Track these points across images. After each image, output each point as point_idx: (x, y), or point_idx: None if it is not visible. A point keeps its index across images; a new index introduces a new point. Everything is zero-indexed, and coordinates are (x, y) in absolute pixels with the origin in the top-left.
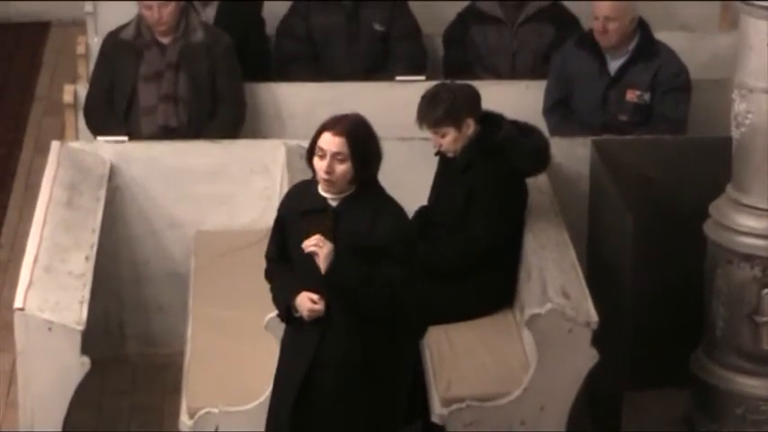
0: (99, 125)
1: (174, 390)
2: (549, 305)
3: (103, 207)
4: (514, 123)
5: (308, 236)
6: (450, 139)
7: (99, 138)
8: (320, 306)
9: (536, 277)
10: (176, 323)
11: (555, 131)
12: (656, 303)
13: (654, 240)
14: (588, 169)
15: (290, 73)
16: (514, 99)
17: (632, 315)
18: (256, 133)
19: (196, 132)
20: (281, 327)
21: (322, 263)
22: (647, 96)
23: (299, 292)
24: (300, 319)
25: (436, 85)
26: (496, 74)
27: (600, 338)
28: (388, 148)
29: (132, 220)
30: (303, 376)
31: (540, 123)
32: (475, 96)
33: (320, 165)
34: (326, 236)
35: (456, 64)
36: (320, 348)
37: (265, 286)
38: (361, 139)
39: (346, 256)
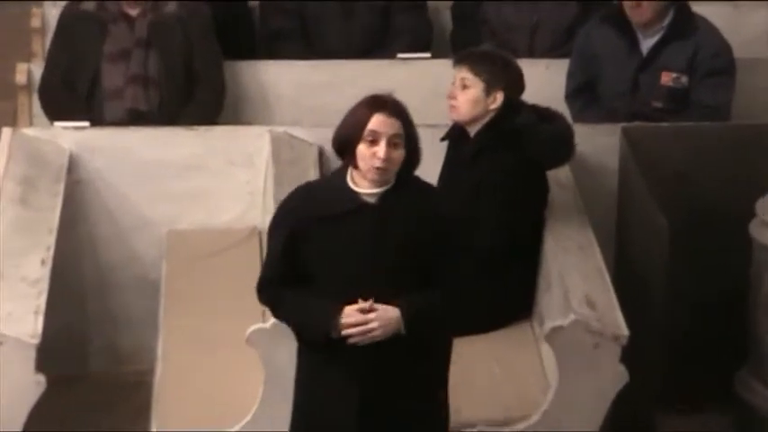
0: (57, 109)
1: (144, 412)
2: (571, 316)
3: (62, 204)
4: (534, 108)
5: (347, 244)
6: (470, 98)
7: (57, 124)
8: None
9: (557, 285)
10: (147, 337)
11: (579, 119)
12: (694, 315)
13: (691, 243)
14: (617, 161)
15: (277, 51)
16: (533, 81)
17: (667, 328)
18: (238, 119)
19: (169, 118)
20: (266, 340)
21: (384, 335)
22: (683, 80)
23: (339, 308)
24: (342, 341)
25: (498, 49)
26: (513, 53)
27: (630, 355)
28: None
29: (96, 219)
30: (358, 408)
31: (562, 109)
32: (521, 80)
33: (371, 151)
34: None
35: (466, 41)
36: (374, 371)
37: (248, 294)
38: (411, 123)
39: (410, 310)
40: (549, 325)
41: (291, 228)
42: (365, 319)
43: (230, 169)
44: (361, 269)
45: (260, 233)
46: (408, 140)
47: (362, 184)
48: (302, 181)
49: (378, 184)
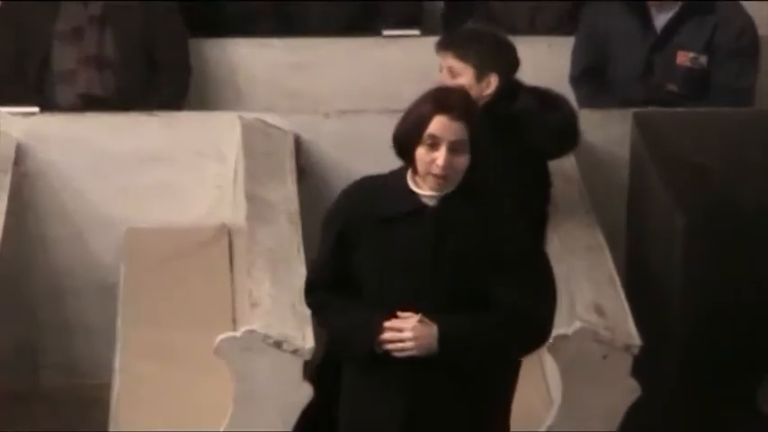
0: (2, 93)
1: (101, 430)
2: (577, 324)
3: (8, 199)
4: (534, 92)
5: (401, 249)
6: (460, 84)
7: (3, 109)
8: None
9: (561, 290)
10: (104, 348)
11: (585, 104)
12: (713, 322)
13: (711, 243)
14: (628, 151)
15: (250, 31)
16: (533, 62)
17: (683, 337)
18: (205, 104)
19: (128, 103)
20: (237, 351)
21: (418, 351)
22: (702, 60)
23: (384, 320)
24: (386, 356)
25: (484, 25)
26: (511, 30)
27: (642, 366)
28: (373, 123)
29: (47, 217)
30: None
31: (567, 93)
32: (515, 61)
33: (430, 157)
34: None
35: (459, 19)
36: (419, 391)
37: (217, 299)
38: (478, 126)
39: (448, 330)
40: (552, 334)
41: (341, 227)
42: (400, 329)
43: (197, 160)
44: (415, 278)
45: (230, 231)
46: (474, 145)
47: (423, 186)
48: (277, 173)
49: (438, 190)
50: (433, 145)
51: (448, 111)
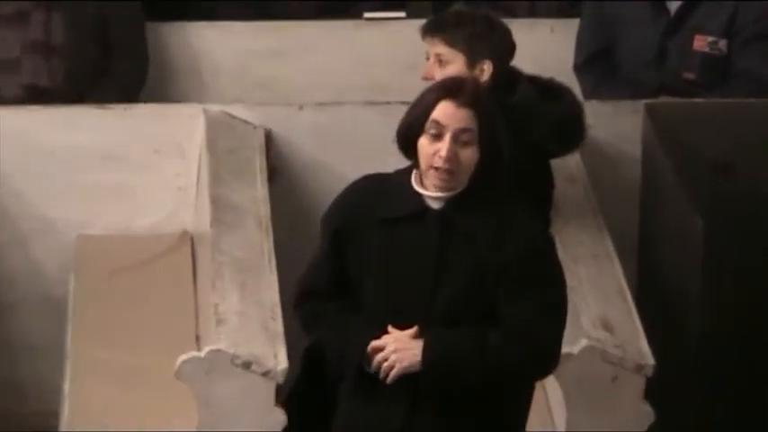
0: None
1: None
2: (583, 342)
3: None
4: (534, 81)
5: (399, 255)
6: (450, 73)
7: None
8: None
9: None
10: (51, 370)
11: (591, 94)
12: (736, 340)
13: (733, 250)
14: (639, 147)
15: (217, 16)
16: (534, 47)
17: (703, 355)
18: (165, 96)
19: (78, 95)
20: (201, 373)
21: (399, 366)
22: (721, 44)
23: (374, 336)
24: (375, 379)
25: (474, 6)
26: (510, 13)
27: (656, 389)
28: (354, 116)
29: None
30: None
31: (571, 82)
32: (511, 45)
33: (433, 148)
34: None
35: None
36: (410, 423)
37: (178, 315)
38: (491, 114)
39: (434, 346)
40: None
41: (337, 228)
42: (383, 345)
43: (155, 159)
44: (414, 289)
45: (192, 238)
46: (485, 138)
47: (428, 186)
48: (245, 173)
49: (443, 189)
50: (437, 135)
51: (454, 96)
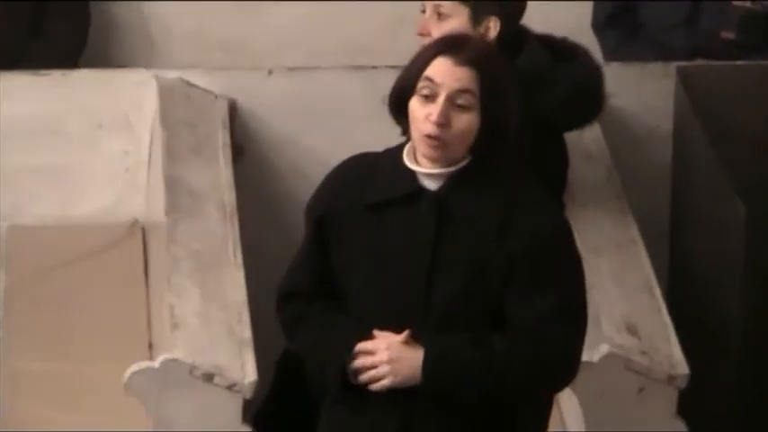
0: None
1: None
2: (604, 348)
3: None
4: (546, 41)
5: (389, 245)
6: (450, 29)
7: None
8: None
9: None
10: None
11: (613, 56)
12: None
13: None
14: (671, 119)
15: None
16: (547, 3)
17: (743, 363)
18: (109, 59)
19: (7, 59)
20: (154, 387)
21: (394, 380)
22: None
23: (358, 342)
24: (363, 391)
25: None
26: None
27: (690, 402)
28: (332, 82)
29: None
30: None
31: (589, 43)
32: (520, 3)
33: (425, 111)
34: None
35: None
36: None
37: (127, 318)
38: (497, 76)
39: (435, 355)
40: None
41: (321, 216)
42: (373, 351)
43: (98, 134)
44: (407, 285)
45: (143, 229)
46: (488, 103)
47: (423, 162)
48: (205, 150)
49: (438, 162)
50: (431, 96)
51: (453, 52)
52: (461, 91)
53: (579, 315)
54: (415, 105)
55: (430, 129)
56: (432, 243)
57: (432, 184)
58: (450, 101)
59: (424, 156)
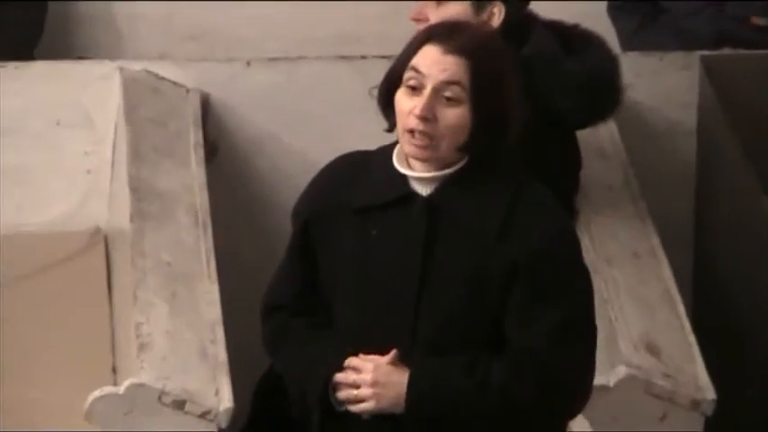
0: None
1: None
2: (622, 370)
3: None
4: (554, 28)
5: (377, 255)
6: (450, 14)
7: None
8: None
9: (598, 317)
10: None
11: (630, 44)
12: None
13: None
14: (694, 113)
15: None
16: None
17: None
18: (69, 50)
19: None
20: (118, 414)
21: (377, 405)
22: None
23: (342, 361)
24: (347, 415)
25: None
26: None
27: (718, 430)
28: (318, 74)
29: None
30: None
31: (605, 31)
32: None
33: (410, 104)
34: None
35: None
36: None
37: (88, 337)
38: (492, 69)
39: (422, 381)
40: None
41: (305, 222)
42: (358, 369)
43: (56, 133)
44: (396, 300)
45: (106, 237)
46: (481, 96)
47: (414, 165)
48: (175, 150)
49: (428, 164)
50: (417, 87)
51: (442, 40)
52: (449, 82)
53: (587, 333)
54: (401, 98)
55: (413, 123)
56: (422, 254)
57: (423, 189)
58: (437, 93)
59: (408, 154)
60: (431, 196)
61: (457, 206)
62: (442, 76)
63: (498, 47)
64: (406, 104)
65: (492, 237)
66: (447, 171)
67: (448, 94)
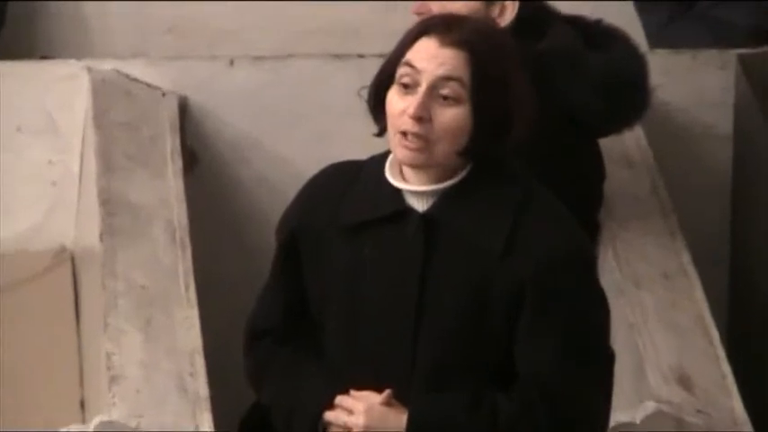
0: None
1: None
2: (650, 405)
3: None
4: (574, 24)
5: (369, 279)
6: (456, 8)
7: None
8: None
9: (624, 348)
10: None
11: (658, 41)
12: None
13: None
14: (730, 116)
15: None
16: None
17: None
18: (31, 48)
19: None
20: None
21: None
22: None
23: (332, 397)
24: None
25: None
26: None
27: None
28: (308, 72)
29: None
30: None
31: (630, 27)
32: None
33: (402, 104)
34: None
35: None
36: None
37: (54, 370)
38: (495, 63)
39: (427, 413)
40: (611, 420)
41: (290, 237)
42: (350, 410)
43: (17, 140)
44: (389, 326)
45: (72, 257)
46: (483, 95)
47: (408, 175)
48: (150, 159)
49: (425, 175)
50: (410, 85)
51: (439, 31)
52: (446, 78)
53: (602, 360)
54: (393, 97)
55: (406, 124)
56: (419, 276)
57: (420, 204)
58: (433, 91)
59: (400, 160)
60: (428, 212)
61: (457, 222)
62: (439, 71)
63: (502, 39)
64: (399, 104)
65: (496, 256)
66: (445, 184)
67: (445, 91)
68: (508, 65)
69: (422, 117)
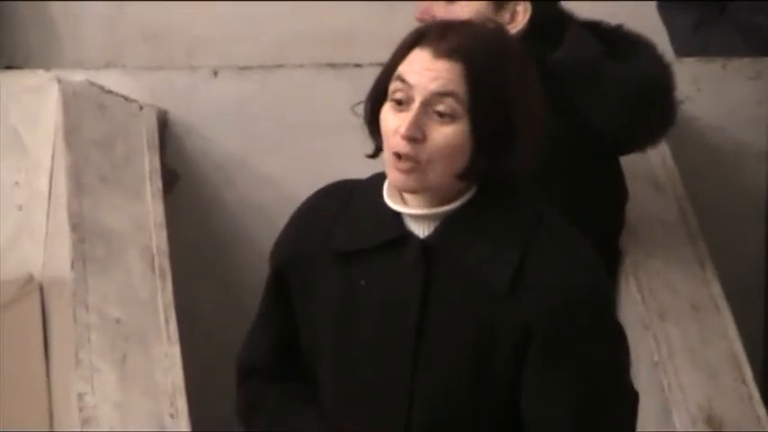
0: None
1: None
2: None
3: None
4: (593, 30)
5: (364, 310)
6: (463, 14)
7: None
8: None
9: (649, 384)
10: None
11: (684, 48)
12: None
13: None
14: (765, 132)
15: None
16: None
17: None
18: None
19: None
20: None
21: None
22: None
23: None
24: None
25: None
26: None
27: None
28: (298, 82)
29: None
30: None
31: (656, 34)
32: None
33: (395, 121)
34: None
35: None
36: None
37: (22, 411)
38: (494, 75)
39: None
40: None
41: (281, 266)
42: None
43: None
44: (384, 366)
45: (41, 287)
46: (482, 109)
47: (409, 199)
48: (126, 178)
49: (425, 198)
50: (403, 101)
51: (432, 41)
52: (440, 94)
53: (620, 407)
54: (387, 114)
55: (399, 146)
56: (417, 311)
57: (420, 229)
58: (427, 107)
59: (394, 185)
60: (429, 238)
61: (460, 252)
62: (433, 86)
63: (504, 45)
64: (392, 122)
65: (502, 289)
66: (448, 207)
67: (440, 108)
68: (511, 74)
69: (415, 137)
